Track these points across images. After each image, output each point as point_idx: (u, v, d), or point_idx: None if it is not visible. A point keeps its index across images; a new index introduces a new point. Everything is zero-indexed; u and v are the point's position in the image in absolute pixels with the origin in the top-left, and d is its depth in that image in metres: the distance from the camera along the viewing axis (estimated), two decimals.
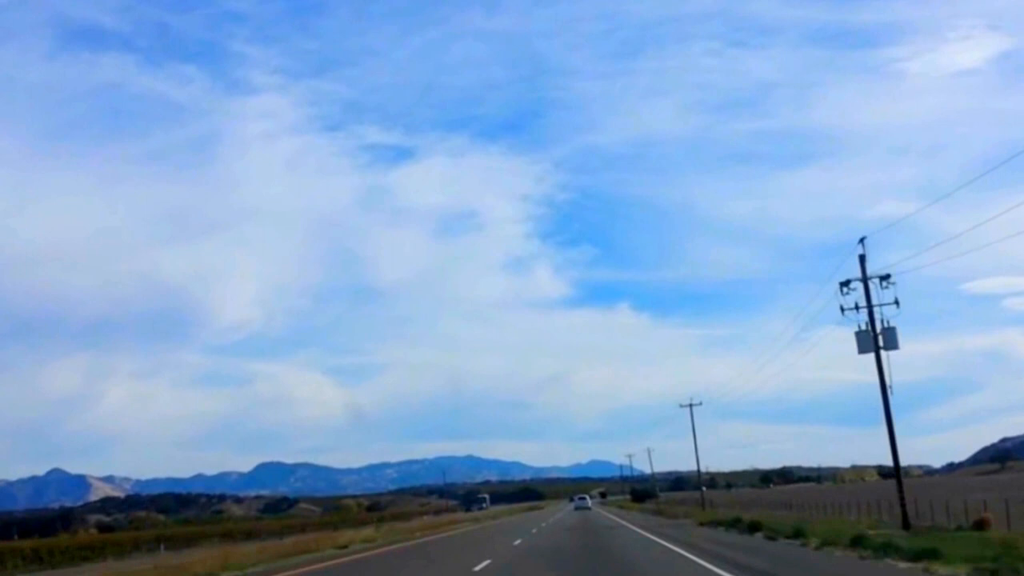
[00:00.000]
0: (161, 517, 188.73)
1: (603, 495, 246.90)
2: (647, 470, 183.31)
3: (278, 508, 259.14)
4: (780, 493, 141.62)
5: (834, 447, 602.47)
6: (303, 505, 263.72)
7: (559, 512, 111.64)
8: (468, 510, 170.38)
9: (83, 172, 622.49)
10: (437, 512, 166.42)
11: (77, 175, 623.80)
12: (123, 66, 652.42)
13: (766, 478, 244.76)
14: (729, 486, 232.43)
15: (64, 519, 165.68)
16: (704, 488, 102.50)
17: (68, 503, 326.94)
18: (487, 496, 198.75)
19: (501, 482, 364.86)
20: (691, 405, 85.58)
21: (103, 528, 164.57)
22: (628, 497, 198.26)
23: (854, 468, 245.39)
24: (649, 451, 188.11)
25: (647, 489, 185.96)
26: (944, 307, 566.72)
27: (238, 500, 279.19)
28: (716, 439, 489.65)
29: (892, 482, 42.75)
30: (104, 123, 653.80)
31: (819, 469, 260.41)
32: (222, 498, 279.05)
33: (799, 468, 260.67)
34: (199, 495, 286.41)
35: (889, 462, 38.45)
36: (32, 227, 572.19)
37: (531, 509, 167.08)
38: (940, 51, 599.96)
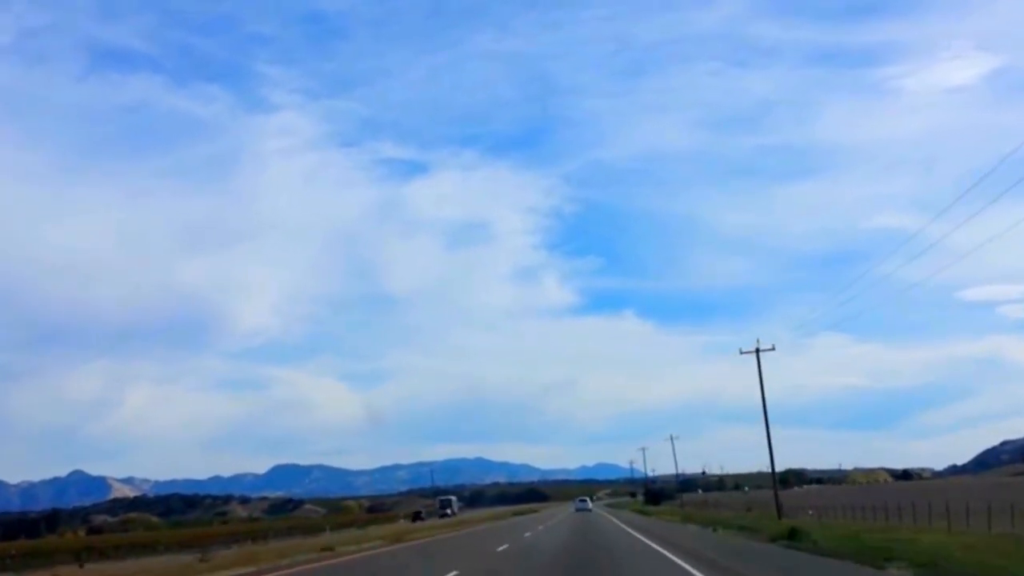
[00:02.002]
0: (154, 519, 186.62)
1: (632, 495, 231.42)
2: (651, 472, 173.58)
3: (284, 509, 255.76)
4: (816, 495, 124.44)
5: (833, 450, 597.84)
6: (308, 506, 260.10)
7: (552, 519, 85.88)
8: (416, 519, 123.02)
9: (111, 187, 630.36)
10: (414, 519, 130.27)
11: (105, 189, 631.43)
12: (150, 86, 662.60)
13: (784, 479, 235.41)
14: (737, 487, 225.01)
15: (49, 521, 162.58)
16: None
17: (87, 504, 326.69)
18: (452, 498, 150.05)
19: (510, 484, 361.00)
20: (758, 351, 59.74)
21: (92, 530, 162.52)
22: (641, 499, 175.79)
23: (855, 470, 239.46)
24: (672, 438, 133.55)
25: (662, 489, 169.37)
26: (939, 315, 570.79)
27: (244, 501, 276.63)
28: (717, 442, 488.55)
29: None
30: (132, 140, 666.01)
31: (824, 471, 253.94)
32: (228, 499, 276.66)
33: (803, 470, 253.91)
34: (206, 496, 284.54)
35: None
36: (62, 238, 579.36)
37: (521, 513, 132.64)
38: (934, 69, 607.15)
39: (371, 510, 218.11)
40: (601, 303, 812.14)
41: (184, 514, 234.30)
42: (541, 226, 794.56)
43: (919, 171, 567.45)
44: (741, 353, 60.58)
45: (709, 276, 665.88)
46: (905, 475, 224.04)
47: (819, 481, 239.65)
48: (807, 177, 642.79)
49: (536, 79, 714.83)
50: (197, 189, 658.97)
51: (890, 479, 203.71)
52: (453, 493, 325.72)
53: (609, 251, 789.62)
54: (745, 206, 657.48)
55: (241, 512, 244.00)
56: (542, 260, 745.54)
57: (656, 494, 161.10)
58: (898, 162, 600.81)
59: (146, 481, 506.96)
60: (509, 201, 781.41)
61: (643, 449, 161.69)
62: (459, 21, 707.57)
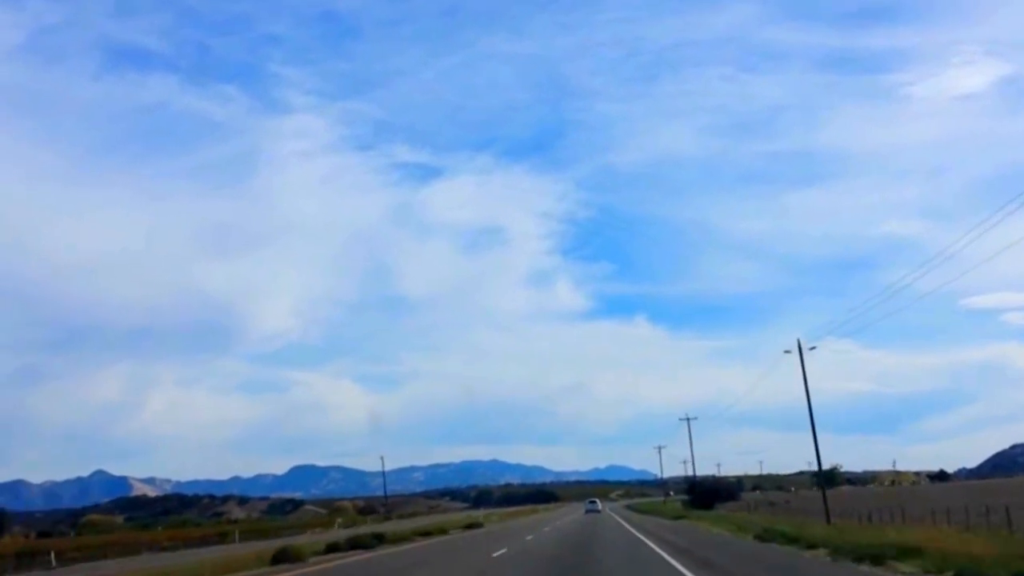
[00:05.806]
0: (119, 520, 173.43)
1: (644, 495, 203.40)
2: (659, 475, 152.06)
3: (283, 510, 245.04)
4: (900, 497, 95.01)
5: (843, 453, 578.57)
6: (308, 507, 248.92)
7: (529, 535, 52.96)
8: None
9: (128, 187, 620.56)
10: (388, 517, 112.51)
11: (122, 190, 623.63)
12: (166, 86, 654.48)
13: (831, 478, 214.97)
14: (755, 488, 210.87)
15: None
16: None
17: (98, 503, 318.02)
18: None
19: (522, 484, 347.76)
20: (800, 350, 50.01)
21: (42, 534, 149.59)
22: (675, 501, 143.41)
23: (869, 472, 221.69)
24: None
25: (716, 487, 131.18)
26: (944, 322, 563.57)
27: (243, 502, 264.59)
28: (726, 445, 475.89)
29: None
30: (148, 140, 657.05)
31: (847, 473, 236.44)
32: (227, 500, 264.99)
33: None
34: (204, 496, 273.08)
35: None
36: (80, 240, 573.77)
37: (429, 533, 64.39)
38: (943, 76, 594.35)
39: (364, 512, 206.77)
40: (614, 308, 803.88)
41: (179, 514, 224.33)
42: (555, 231, 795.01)
43: (928, 179, 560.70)
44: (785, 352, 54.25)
45: (720, 281, 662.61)
46: (942, 476, 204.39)
47: (850, 483, 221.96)
48: (817, 183, 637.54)
49: (550, 82, 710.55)
50: (215, 191, 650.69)
51: (917, 480, 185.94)
52: (465, 494, 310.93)
53: (622, 256, 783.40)
54: (756, 212, 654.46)
55: (239, 513, 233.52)
56: (556, 265, 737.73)
57: (707, 493, 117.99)
58: (907, 169, 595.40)
59: (167, 481, 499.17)
60: (524, 205, 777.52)
61: (687, 418, 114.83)
62: (473, 22, 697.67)
